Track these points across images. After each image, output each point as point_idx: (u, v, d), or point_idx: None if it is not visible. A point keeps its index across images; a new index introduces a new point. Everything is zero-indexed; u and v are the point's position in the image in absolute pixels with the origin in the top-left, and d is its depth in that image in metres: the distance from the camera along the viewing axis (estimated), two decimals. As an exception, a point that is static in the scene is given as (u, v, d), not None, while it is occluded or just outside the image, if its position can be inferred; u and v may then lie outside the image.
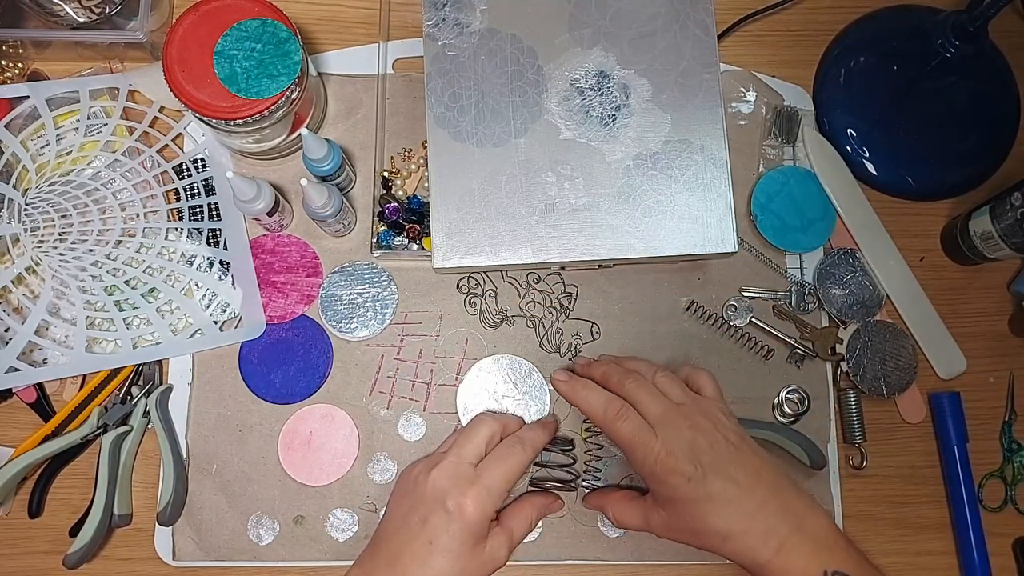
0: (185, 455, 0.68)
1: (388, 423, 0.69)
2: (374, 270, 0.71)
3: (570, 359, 0.70)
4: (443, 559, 0.56)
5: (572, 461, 0.68)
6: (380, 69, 0.70)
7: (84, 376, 0.68)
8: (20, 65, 0.72)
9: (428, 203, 0.65)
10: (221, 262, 0.69)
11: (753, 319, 0.71)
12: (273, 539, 0.67)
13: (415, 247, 0.69)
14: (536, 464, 0.68)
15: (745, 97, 0.75)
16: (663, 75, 0.64)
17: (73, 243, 0.67)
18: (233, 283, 0.69)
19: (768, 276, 0.72)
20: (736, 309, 0.71)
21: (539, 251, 0.62)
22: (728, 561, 0.68)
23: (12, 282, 0.66)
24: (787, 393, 0.70)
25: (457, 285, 0.71)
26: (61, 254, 0.67)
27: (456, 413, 0.69)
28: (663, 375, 0.61)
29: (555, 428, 0.67)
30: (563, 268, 0.71)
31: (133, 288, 0.68)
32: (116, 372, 0.68)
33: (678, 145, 0.63)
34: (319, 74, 0.72)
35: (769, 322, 0.71)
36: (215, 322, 0.69)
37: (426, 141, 0.68)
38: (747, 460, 0.55)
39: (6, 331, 0.67)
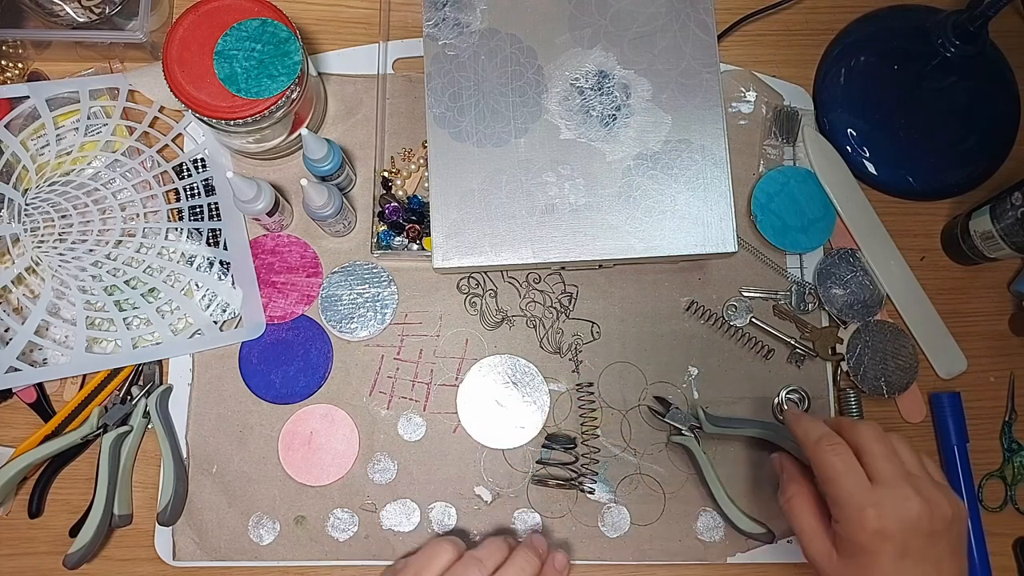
0: (185, 455, 0.68)
1: (388, 423, 0.69)
2: (374, 270, 0.71)
3: (570, 359, 0.70)
4: None
5: (574, 460, 0.68)
6: (380, 69, 0.70)
7: (84, 376, 0.68)
8: (20, 65, 0.72)
9: (428, 203, 0.65)
10: (221, 262, 0.69)
11: (753, 319, 0.71)
12: (273, 539, 0.67)
13: (415, 247, 0.69)
14: (538, 463, 0.68)
15: (745, 97, 0.75)
16: (663, 75, 0.64)
17: (73, 243, 0.67)
18: (233, 283, 0.69)
19: (768, 276, 0.72)
20: (736, 309, 0.71)
21: (539, 251, 0.62)
22: (729, 560, 0.68)
23: (12, 282, 0.66)
24: (787, 393, 0.70)
25: (457, 285, 0.71)
26: (61, 254, 0.67)
27: (456, 413, 0.69)
28: (904, 444, 0.56)
29: (509, 549, 0.58)
30: (563, 268, 0.71)
31: (133, 288, 0.68)
32: (116, 372, 0.68)
33: (678, 145, 0.63)
34: (319, 74, 0.72)
35: (769, 322, 0.71)
36: (215, 322, 0.69)
37: (426, 141, 0.68)
38: (946, 567, 0.52)
39: (6, 331, 0.67)
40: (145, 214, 0.69)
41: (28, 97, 0.69)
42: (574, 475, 0.68)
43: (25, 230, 0.66)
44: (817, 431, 0.56)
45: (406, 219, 0.69)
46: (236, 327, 0.70)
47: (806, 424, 0.58)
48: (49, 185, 0.68)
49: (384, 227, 0.69)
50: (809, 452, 0.56)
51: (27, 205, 0.67)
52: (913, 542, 0.51)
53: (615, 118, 0.63)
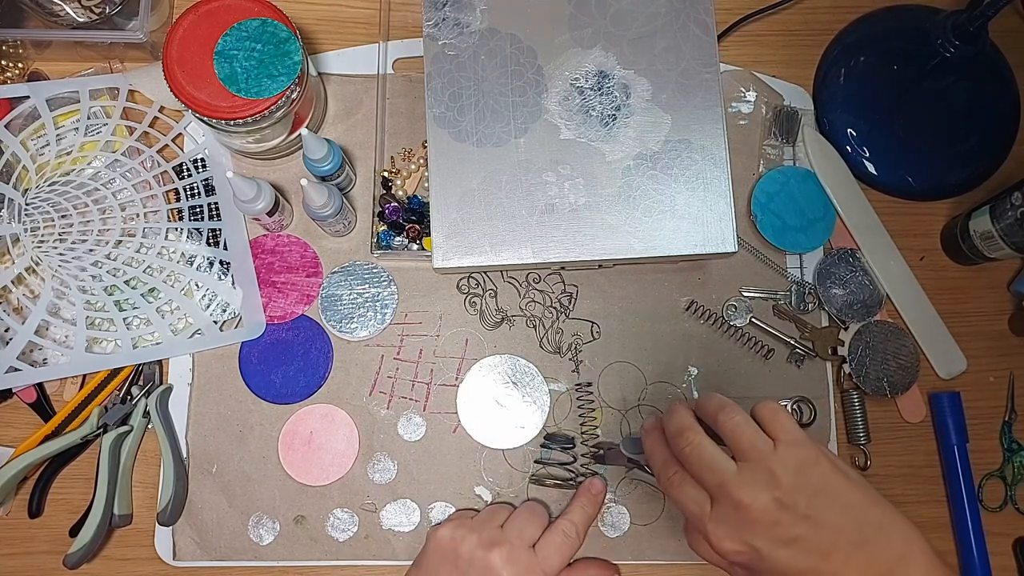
0: (185, 455, 0.68)
1: (388, 423, 0.69)
2: (374, 270, 0.71)
3: (570, 359, 0.70)
4: None
5: (573, 460, 0.68)
6: (380, 69, 0.70)
7: (84, 376, 0.68)
8: (20, 65, 0.72)
9: (428, 203, 0.65)
10: (221, 262, 0.70)
11: (753, 319, 0.71)
12: (273, 539, 0.67)
13: (415, 247, 0.69)
14: (536, 462, 0.68)
15: (745, 97, 0.75)
16: (663, 75, 0.64)
17: (73, 243, 0.67)
18: (233, 283, 0.69)
19: (768, 276, 0.72)
20: (736, 309, 0.71)
21: (539, 251, 0.62)
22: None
23: (12, 282, 0.66)
24: (792, 405, 0.70)
25: (457, 285, 0.71)
26: (61, 254, 0.67)
27: (456, 413, 0.69)
28: (727, 417, 0.49)
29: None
30: (563, 268, 0.71)
31: (133, 288, 0.68)
32: (116, 372, 0.68)
33: (678, 145, 0.63)
34: (319, 74, 0.72)
35: (769, 322, 0.71)
36: (215, 322, 0.69)
37: (426, 141, 0.68)
38: (824, 524, 0.46)
39: (6, 331, 0.67)
40: (145, 214, 0.69)
41: (28, 97, 0.69)
42: (573, 475, 0.68)
43: (25, 230, 0.67)
44: (658, 457, 0.53)
45: (406, 219, 0.69)
46: (236, 327, 0.70)
47: (650, 445, 0.54)
48: (49, 185, 0.68)
49: (384, 227, 0.70)
50: (662, 489, 0.53)
51: (27, 205, 0.67)
52: (760, 542, 0.46)
53: (615, 118, 0.63)
